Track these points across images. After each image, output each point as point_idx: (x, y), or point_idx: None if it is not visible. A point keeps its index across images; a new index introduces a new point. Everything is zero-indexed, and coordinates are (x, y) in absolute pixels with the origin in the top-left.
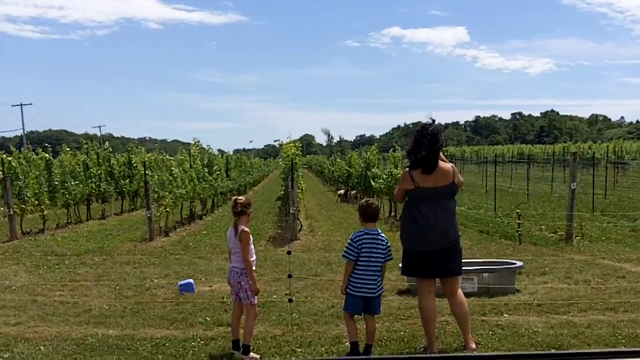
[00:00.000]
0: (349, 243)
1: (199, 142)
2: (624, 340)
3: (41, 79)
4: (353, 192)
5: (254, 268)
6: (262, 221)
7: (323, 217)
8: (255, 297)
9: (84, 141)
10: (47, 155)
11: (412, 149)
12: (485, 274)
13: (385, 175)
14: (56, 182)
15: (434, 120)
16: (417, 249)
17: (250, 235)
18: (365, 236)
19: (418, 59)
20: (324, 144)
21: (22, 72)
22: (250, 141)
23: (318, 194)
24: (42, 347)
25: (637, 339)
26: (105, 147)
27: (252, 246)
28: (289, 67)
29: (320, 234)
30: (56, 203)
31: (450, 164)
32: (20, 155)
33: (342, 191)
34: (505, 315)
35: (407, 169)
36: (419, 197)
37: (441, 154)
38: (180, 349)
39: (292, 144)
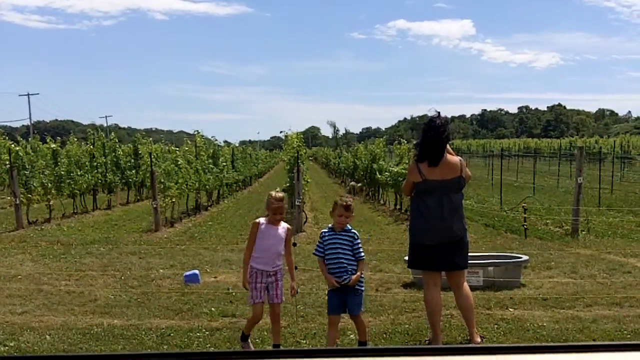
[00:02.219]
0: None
1: (200, 132)
2: (629, 336)
3: (48, 69)
4: (358, 184)
5: (254, 265)
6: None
7: (328, 209)
8: (251, 298)
9: (90, 131)
10: (53, 145)
11: (419, 142)
12: (490, 268)
13: (391, 169)
14: (62, 172)
15: (439, 113)
16: (423, 242)
17: (259, 226)
18: None
19: (424, 51)
20: (330, 136)
21: (29, 61)
22: (258, 133)
23: (324, 186)
24: (47, 336)
25: None
26: (112, 138)
27: (261, 238)
28: (294, 59)
29: (325, 225)
30: (62, 193)
31: (458, 157)
32: (27, 145)
33: (353, 183)
34: (511, 309)
35: (415, 161)
36: (426, 190)
37: (449, 147)
38: (186, 339)
39: (296, 136)
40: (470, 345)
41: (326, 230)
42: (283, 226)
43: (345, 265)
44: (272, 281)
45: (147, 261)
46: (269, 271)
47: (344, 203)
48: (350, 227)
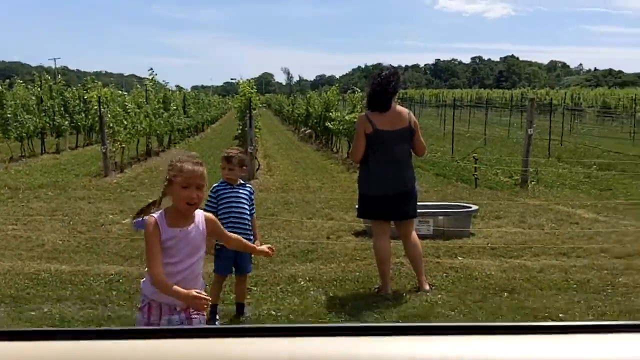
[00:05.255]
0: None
1: (154, 75)
2: (575, 285)
3: None
4: (308, 131)
5: (149, 294)
6: (220, 160)
7: (281, 156)
8: None
9: (37, 74)
10: None
11: (368, 91)
12: (440, 217)
13: (343, 117)
14: (9, 115)
15: (394, 68)
16: (373, 193)
17: (158, 229)
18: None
19: None
20: (284, 82)
21: None
22: (210, 78)
23: (277, 133)
24: None
25: (588, 284)
26: (59, 80)
27: (170, 248)
28: (249, 3)
29: (278, 173)
30: (9, 136)
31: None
32: None
33: (306, 129)
34: (459, 257)
35: (365, 112)
36: (377, 141)
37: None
38: (135, 285)
39: (248, 83)
40: (439, 324)
41: (218, 184)
42: (199, 217)
43: (248, 221)
44: (178, 322)
45: (96, 206)
46: (173, 305)
47: (225, 154)
48: (245, 182)
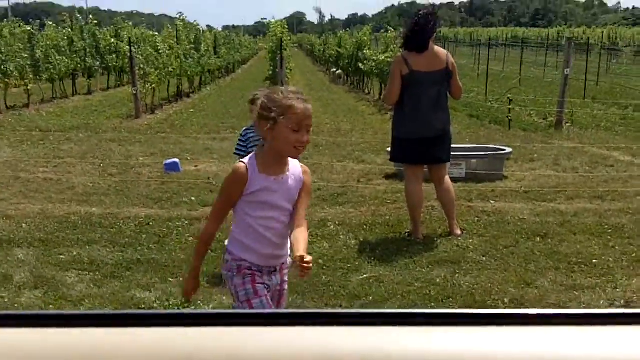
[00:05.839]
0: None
1: (182, 15)
2: (609, 230)
3: None
4: (338, 71)
5: (240, 254)
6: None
7: (313, 98)
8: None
9: (65, 14)
10: (29, 27)
11: (405, 31)
12: (473, 160)
13: (376, 57)
14: (40, 56)
15: (432, 6)
16: (407, 136)
17: (247, 177)
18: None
19: None
20: (316, 22)
21: None
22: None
23: (308, 73)
24: (24, 225)
25: (623, 229)
26: (90, 21)
27: (258, 200)
28: None
29: None
30: (41, 77)
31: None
32: (3, 28)
33: (336, 70)
34: (492, 201)
35: (400, 52)
36: (413, 83)
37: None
38: (165, 229)
39: (279, 23)
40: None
41: (248, 127)
42: (293, 164)
43: None
44: (276, 284)
45: (127, 149)
46: (271, 266)
47: (252, 97)
48: None
